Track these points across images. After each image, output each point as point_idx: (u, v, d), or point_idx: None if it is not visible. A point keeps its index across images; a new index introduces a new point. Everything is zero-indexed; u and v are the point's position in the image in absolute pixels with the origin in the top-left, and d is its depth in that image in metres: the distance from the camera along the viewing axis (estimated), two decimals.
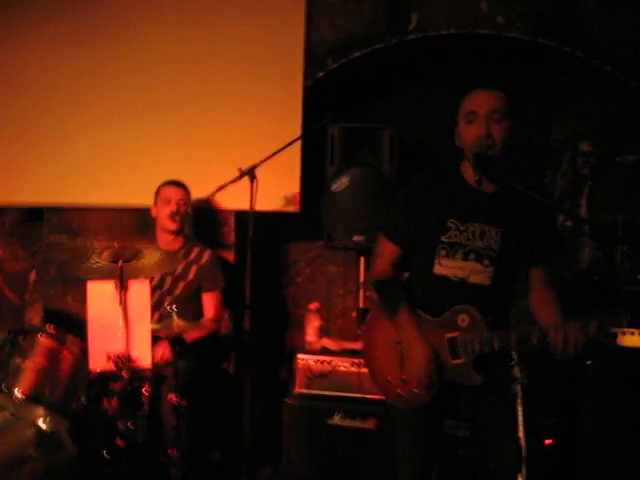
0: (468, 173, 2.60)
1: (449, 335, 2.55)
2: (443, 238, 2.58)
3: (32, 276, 4.86)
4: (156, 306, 3.70)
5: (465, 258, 2.57)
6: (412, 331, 2.58)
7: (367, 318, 2.83)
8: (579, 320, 2.39)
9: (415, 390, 2.56)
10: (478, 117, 2.51)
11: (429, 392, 2.55)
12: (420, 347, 2.54)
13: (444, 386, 2.55)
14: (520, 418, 2.60)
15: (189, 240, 4.02)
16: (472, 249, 2.57)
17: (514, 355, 2.65)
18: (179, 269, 3.89)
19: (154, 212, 3.97)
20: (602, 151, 4.16)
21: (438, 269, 2.60)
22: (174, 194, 3.90)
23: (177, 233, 3.92)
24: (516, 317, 2.72)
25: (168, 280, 3.88)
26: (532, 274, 2.69)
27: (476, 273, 2.57)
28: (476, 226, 2.57)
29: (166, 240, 3.93)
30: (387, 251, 2.73)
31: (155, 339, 3.37)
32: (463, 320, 2.54)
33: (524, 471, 2.57)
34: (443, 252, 2.59)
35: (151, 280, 3.52)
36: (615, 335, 2.70)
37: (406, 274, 2.78)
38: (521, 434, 2.59)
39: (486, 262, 2.56)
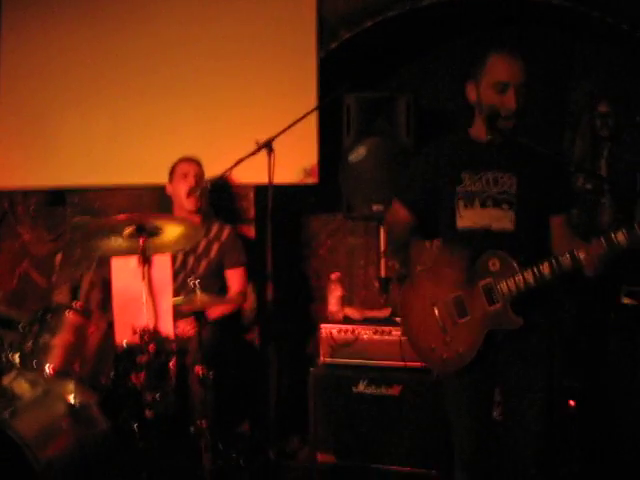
0: (479, 133, 2.66)
1: (483, 282, 2.57)
2: (458, 189, 2.63)
3: (58, 258, 4.93)
4: (181, 287, 3.70)
5: (483, 205, 2.61)
6: (430, 296, 2.65)
7: (401, 290, 2.84)
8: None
9: (460, 350, 2.59)
10: (508, 89, 2.54)
11: (472, 347, 2.57)
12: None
13: (486, 342, 2.57)
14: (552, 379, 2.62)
15: (207, 217, 4.01)
16: (488, 195, 2.60)
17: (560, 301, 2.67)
18: (200, 247, 3.91)
19: (170, 189, 3.98)
20: (621, 112, 4.11)
21: (460, 222, 2.64)
22: (191, 169, 3.91)
23: (197, 210, 3.94)
24: None
25: (191, 260, 3.90)
26: (552, 224, 2.68)
27: (497, 219, 2.59)
28: (489, 174, 2.61)
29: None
30: (401, 215, 2.80)
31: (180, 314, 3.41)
32: (494, 264, 2.56)
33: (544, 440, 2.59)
34: (461, 203, 2.63)
35: (172, 257, 3.57)
36: None
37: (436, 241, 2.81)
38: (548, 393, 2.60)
39: (505, 206, 2.59)
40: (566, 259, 2.45)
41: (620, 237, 2.37)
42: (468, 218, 2.63)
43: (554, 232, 2.68)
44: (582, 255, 2.42)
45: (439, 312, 2.65)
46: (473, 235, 2.62)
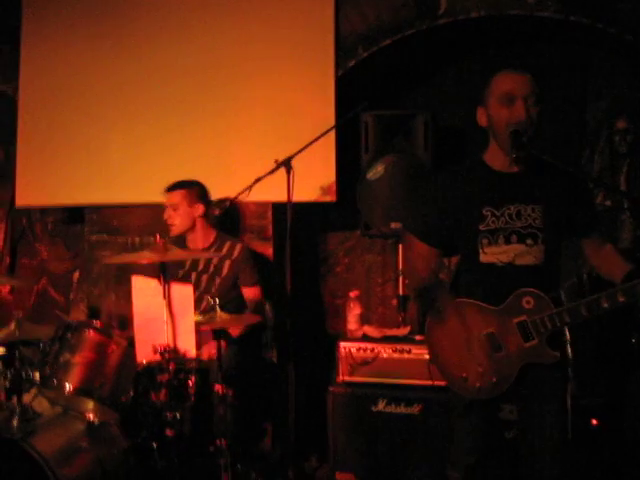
0: (495, 158, 2.62)
1: (517, 320, 2.55)
2: (481, 227, 2.59)
3: (76, 276, 4.95)
4: (195, 305, 3.70)
5: (507, 241, 2.57)
6: (461, 330, 2.62)
7: (427, 321, 2.77)
8: None
9: (493, 379, 2.56)
10: (516, 101, 2.51)
11: (508, 378, 2.56)
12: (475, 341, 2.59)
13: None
14: (566, 395, 2.60)
15: (220, 235, 3.99)
16: (512, 231, 2.57)
17: (567, 333, 2.65)
18: (212, 266, 3.90)
19: None
20: (639, 128, 4.10)
21: (483, 258, 2.61)
22: (166, 201, 3.92)
23: (175, 233, 3.91)
24: None
25: (204, 278, 3.91)
26: (584, 245, 2.71)
27: (521, 254, 2.57)
28: (511, 208, 2.57)
29: (192, 239, 3.94)
30: (422, 251, 2.76)
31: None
32: (528, 302, 2.54)
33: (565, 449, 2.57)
34: (485, 241, 2.60)
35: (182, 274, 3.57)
36: None
37: (454, 259, 2.80)
38: (566, 412, 2.58)
39: (529, 242, 2.57)
40: (605, 303, 2.44)
41: None
42: (492, 254, 2.59)
43: (590, 250, 2.71)
44: (622, 299, 2.42)
45: (472, 346, 2.60)
46: (496, 270, 2.59)
